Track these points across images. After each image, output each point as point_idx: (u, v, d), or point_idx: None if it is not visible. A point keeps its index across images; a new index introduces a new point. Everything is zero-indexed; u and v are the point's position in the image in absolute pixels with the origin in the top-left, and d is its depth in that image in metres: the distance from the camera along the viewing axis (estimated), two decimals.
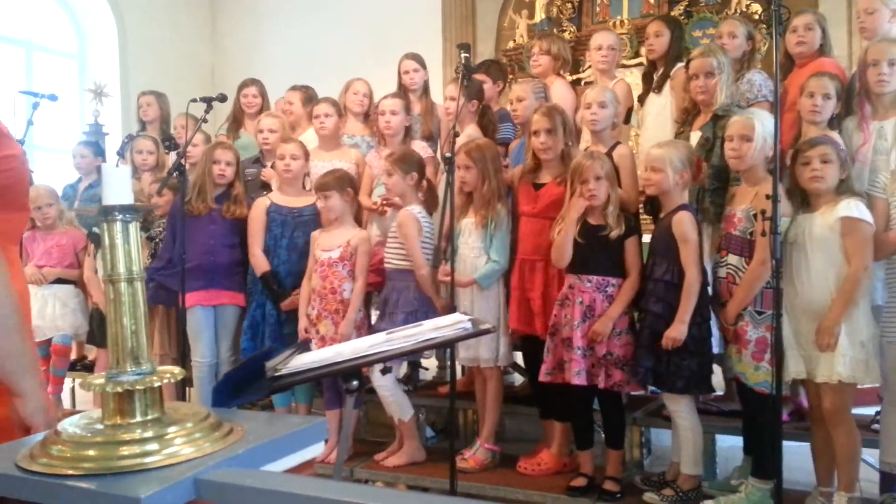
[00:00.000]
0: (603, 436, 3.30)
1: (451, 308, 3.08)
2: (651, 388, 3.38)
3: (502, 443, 3.73)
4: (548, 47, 4.25)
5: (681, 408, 3.07)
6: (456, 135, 3.27)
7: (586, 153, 3.24)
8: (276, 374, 1.62)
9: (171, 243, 3.90)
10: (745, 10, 5.74)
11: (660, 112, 3.97)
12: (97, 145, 5.43)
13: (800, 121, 3.26)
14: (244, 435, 1.15)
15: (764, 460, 2.92)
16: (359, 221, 3.79)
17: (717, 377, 3.17)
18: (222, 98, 3.86)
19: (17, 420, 1.35)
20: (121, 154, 4.96)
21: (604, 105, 3.36)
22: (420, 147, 3.98)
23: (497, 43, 6.81)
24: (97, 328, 4.52)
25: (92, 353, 4.93)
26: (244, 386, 1.59)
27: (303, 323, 3.65)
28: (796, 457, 3.16)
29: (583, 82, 5.75)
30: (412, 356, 3.64)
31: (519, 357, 3.89)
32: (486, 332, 1.95)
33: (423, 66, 4.45)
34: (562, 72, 4.34)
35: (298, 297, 3.74)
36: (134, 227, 1.17)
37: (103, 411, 1.12)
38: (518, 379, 4.37)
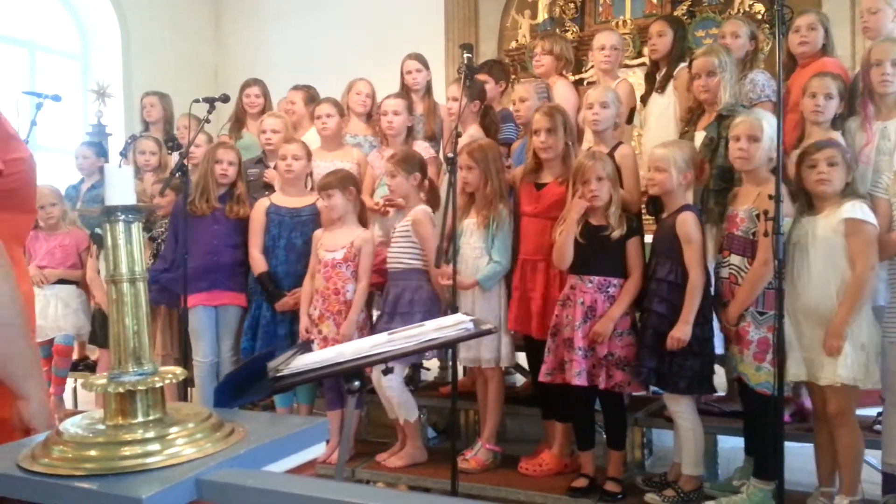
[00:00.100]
0: (604, 436, 3.30)
1: (452, 308, 3.08)
2: (653, 388, 3.38)
3: (504, 443, 3.73)
4: (550, 47, 4.25)
5: (682, 408, 3.07)
6: (458, 135, 3.28)
7: (588, 153, 3.24)
8: (278, 374, 1.62)
9: (173, 244, 3.91)
10: (748, 9, 5.74)
11: (662, 112, 3.97)
12: (100, 146, 5.44)
13: (803, 121, 3.26)
14: (246, 435, 1.15)
15: (765, 461, 2.91)
16: (363, 221, 3.79)
17: (719, 378, 3.16)
18: (225, 98, 3.87)
19: (17, 422, 1.35)
20: (124, 154, 4.96)
21: (606, 105, 3.36)
22: (422, 147, 3.98)
23: (499, 43, 6.81)
24: (99, 328, 4.52)
25: (94, 353, 4.94)
26: (246, 386, 1.60)
27: (304, 323, 3.65)
28: (798, 458, 3.15)
29: (585, 82, 5.75)
30: (414, 357, 3.63)
31: (521, 357, 3.89)
32: (488, 332, 1.95)
33: (426, 66, 4.45)
34: (564, 72, 4.34)
35: (293, 298, 3.74)
36: (136, 228, 1.17)
37: (105, 411, 1.13)
38: (519, 379, 4.37)
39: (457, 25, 6.92)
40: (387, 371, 2.73)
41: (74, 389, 5.07)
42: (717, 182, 3.26)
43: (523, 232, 3.44)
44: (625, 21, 6.21)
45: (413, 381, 4.24)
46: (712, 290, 3.08)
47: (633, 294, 3.12)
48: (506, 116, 4.18)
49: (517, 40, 6.67)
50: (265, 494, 0.98)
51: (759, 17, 5.44)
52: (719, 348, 3.16)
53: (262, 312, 3.81)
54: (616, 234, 3.11)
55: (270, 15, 7.83)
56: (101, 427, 1.11)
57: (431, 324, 1.85)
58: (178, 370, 1.19)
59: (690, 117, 3.54)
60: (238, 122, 4.85)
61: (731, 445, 3.48)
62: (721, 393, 3.50)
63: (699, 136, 3.39)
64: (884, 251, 2.84)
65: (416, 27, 6.73)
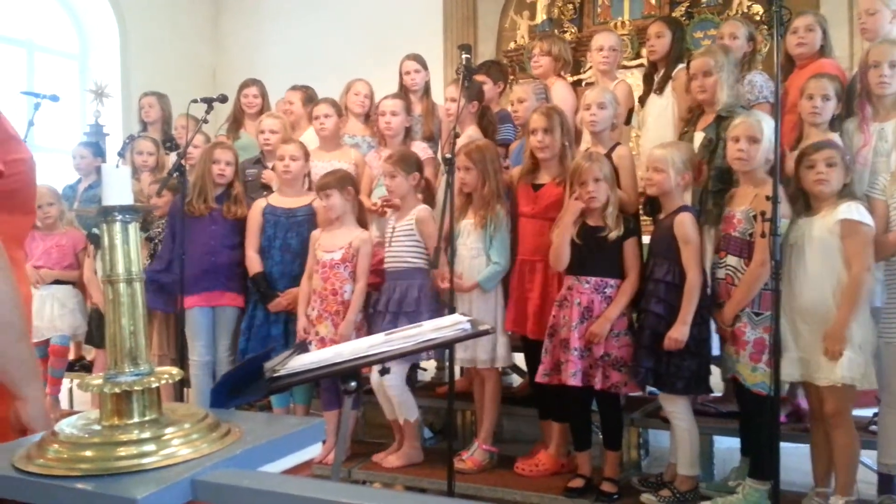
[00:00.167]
0: (601, 437, 3.30)
1: (450, 309, 3.08)
2: (649, 389, 3.39)
3: (500, 444, 3.73)
4: (549, 48, 4.25)
5: (677, 409, 3.08)
6: (456, 136, 3.28)
7: (585, 154, 3.25)
8: (275, 374, 1.62)
9: (170, 244, 3.91)
10: (746, 11, 5.74)
11: (661, 113, 3.97)
12: (97, 146, 5.43)
13: (801, 123, 3.26)
14: (242, 436, 1.15)
15: (761, 461, 2.92)
16: (362, 222, 3.79)
17: (715, 378, 3.17)
18: (223, 99, 3.86)
19: (15, 422, 1.35)
20: (122, 154, 4.96)
21: (603, 106, 3.36)
22: (420, 148, 3.99)
23: (498, 44, 6.81)
24: (96, 329, 4.52)
25: (90, 353, 4.93)
26: (242, 387, 1.60)
27: (302, 323, 3.65)
28: (793, 458, 3.16)
29: (584, 83, 5.75)
30: (411, 357, 3.63)
31: (518, 358, 3.89)
32: (485, 332, 1.95)
33: (425, 66, 4.45)
34: (563, 73, 4.35)
35: (285, 299, 3.74)
36: (133, 228, 1.17)
37: (101, 412, 1.13)
38: (516, 380, 4.38)
39: (455, 26, 6.92)
40: (383, 371, 2.72)
41: (70, 390, 5.06)
42: (715, 183, 3.26)
43: (521, 233, 3.45)
44: (623, 22, 6.21)
45: (410, 382, 4.23)
46: (709, 290, 3.09)
47: (629, 295, 3.13)
48: (504, 117, 4.19)
49: (515, 41, 6.67)
50: (261, 495, 0.98)
51: (758, 18, 5.45)
52: (715, 349, 3.17)
53: (256, 313, 3.81)
54: (613, 234, 3.11)
55: (269, 15, 7.83)
56: (97, 427, 1.11)
57: (429, 324, 1.85)
58: (175, 371, 1.19)
59: (690, 117, 3.54)
60: (236, 122, 4.85)
61: (727, 446, 3.49)
62: (717, 393, 3.50)
63: (699, 137, 3.39)
64: (880, 252, 2.85)
65: (415, 28, 6.73)
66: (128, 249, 1.15)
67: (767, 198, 2.65)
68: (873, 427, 3.08)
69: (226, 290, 3.89)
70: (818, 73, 3.26)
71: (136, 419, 1.11)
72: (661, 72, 4.02)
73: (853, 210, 2.77)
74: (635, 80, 4.97)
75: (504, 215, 3.45)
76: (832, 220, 2.79)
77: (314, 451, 1.24)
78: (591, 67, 5.23)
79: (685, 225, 3.01)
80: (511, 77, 5.67)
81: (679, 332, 2.94)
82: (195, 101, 3.81)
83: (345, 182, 3.66)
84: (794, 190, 2.95)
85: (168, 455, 1.05)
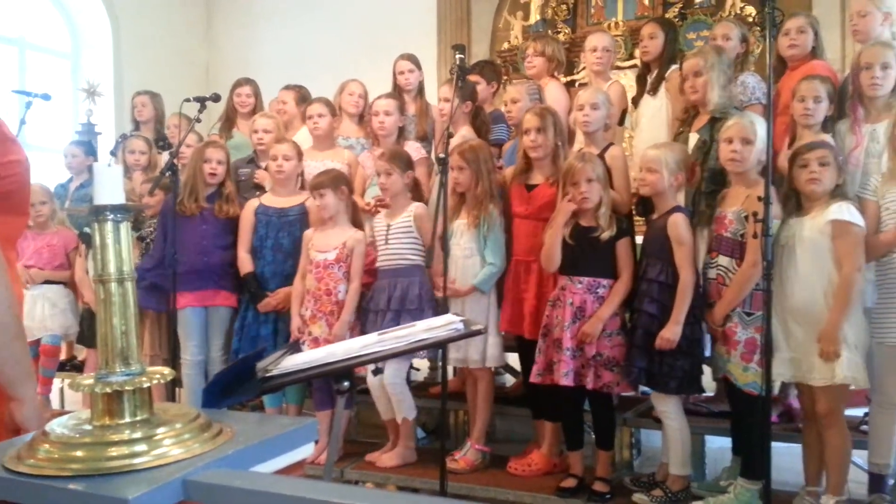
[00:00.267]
0: (593, 436, 3.31)
1: (443, 309, 3.08)
2: (641, 388, 3.39)
3: (493, 443, 3.73)
4: (542, 49, 4.26)
5: (669, 408, 3.09)
6: (450, 136, 3.28)
7: (578, 155, 3.26)
8: (267, 374, 1.62)
9: (162, 243, 3.89)
10: (739, 12, 5.75)
11: (654, 114, 3.99)
12: (89, 145, 5.41)
13: (794, 124, 3.28)
14: (234, 436, 1.15)
15: (753, 461, 2.93)
16: (356, 222, 3.78)
17: (706, 378, 3.18)
18: (216, 98, 3.85)
19: (9, 422, 1.35)
20: (114, 154, 4.95)
21: (596, 107, 3.37)
22: (413, 148, 3.98)
23: (492, 44, 6.81)
24: (88, 328, 4.50)
25: (82, 353, 4.91)
26: (234, 386, 1.59)
27: (296, 323, 3.64)
28: (785, 458, 3.17)
29: (577, 84, 5.76)
30: (404, 357, 3.63)
31: (511, 358, 3.89)
32: (478, 332, 1.95)
33: (419, 66, 4.45)
34: (556, 73, 4.36)
35: (275, 299, 3.74)
36: (125, 227, 1.16)
37: (92, 412, 1.12)
38: (509, 380, 4.38)
39: (449, 26, 6.92)
40: (376, 372, 2.72)
41: (61, 389, 5.04)
42: (708, 185, 3.27)
43: (515, 233, 3.45)
44: (617, 23, 6.22)
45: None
46: (701, 290, 3.09)
47: (622, 295, 3.14)
48: (497, 117, 4.19)
49: (509, 41, 6.67)
50: (253, 495, 0.98)
51: (751, 19, 5.48)
52: (706, 349, 3.18)
53: (248, 313, 3.81)
54: (605, 235, 3.12)
55: (262, 14, 7.81)
56: (88, 427, 1.10)
57: (422, 324, 1.85)
58: (166, 370, 1.19)
59: (686, 118, 3.55)
60: (229, 121, 4.83)
61: (719, 445, 3.50)
62: (709, 393, 3.51)
63: (694, 138, 3.40)
64: (872, 252, 2.87)
65: (409, 27, 6.73)
66: (119, 249, 1.15)
67: (759, 198, 2.66)
68: (864, 427, 3.10)
69: (219, 290, 3.88)
70: (810, 75, 3.27)
71: (127, 419, 1.10)
72: (655, 73, 4.03)
73: (844, 211, 2.78)
74: (629, 80, 4.98)
75: (497, 215, 3.45)
76: (823, 220, 2.80)
77: (306, 451, 1.24)
78: (584, 68, 5.24)
79: (679, 225, 3.02)
80: (505, 77, 5.66)
81: (671, 332, 2.95)
82: (188, 100, 3.80)
83: (339, 182, 3.65)
84: (786, 190, 2.96)
85: (159, 455, 1.05)
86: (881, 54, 3.10)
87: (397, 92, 4.33)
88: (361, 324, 3.60)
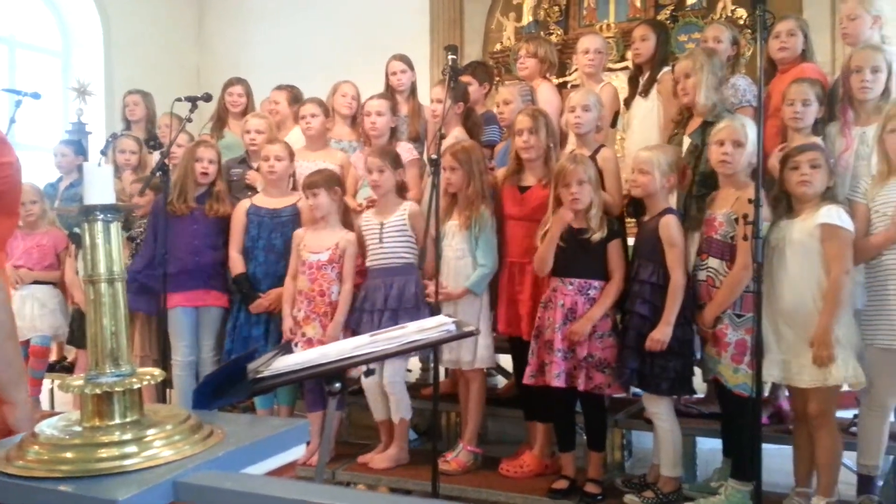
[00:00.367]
0: (585, 438, 3.31)
1: (435, 310, 3.08)
2: (633, 390, 3.40)
3: (485, 445, 3.73)
4: (534, 50, 4.26)
5: (660, 410, 3.10)
6: (442, 137, 3.28)
7: (569, 157, 3.26)
8: (259, 375, 1.62)
9: (152, 243, 3.87)
10: (730, 14, 5.78)
11: (646, 116, 4.00)
12: (78, 144, 5.38)
13: (785, 127, 3.29)
14: (224, 437, 1.15)
15: (743, 462, 2.94)
16: (347, 223, 3.78)
17: (696, 379, 3.19)
18: (207, 97, 3.84)
19: (1, 424, 1.34)
20: (104, 153, 4.92)
21: (588, 108, 3.38)
22: (405, 149, 3.98)
23: (484, 45, 6.82)
24: (78, 329, 4.47)
25: (72, 353, 4.89)
26: (225, 388, 1.59)
27: (288, 323, 3.63)
28: (776, 459, 3.18)
29: (569, 85, 5.77)
30: (401, 357, 3.62)
31: (504, 359, 3.90)
32: (470, 334, 1.95)
33: (411, 67, 4.45)
34: (548, 75, 4.36)
35: (267, 300, 3.73)
36: (115, 227, 1.16)
37: (82, 413, 1.12)
38: (501, 381, 4.38)
39: (442, 27, 6.92)
40: (368, 373, 2.72)
41: (51, 390, 5.01)
42: (699, 188, 3.27)
43: (509, 235, 3.45)
44: (608, 25, 6.24)
45: None
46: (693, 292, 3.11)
47: (613, 296, 3.14)
48: (489, 118, 4.19)
49: (502, 42, 6.68)
50: (243, 497, 0.97)
51: (741, 22, 5.50)
52: (697, 351, 3.19)
53: (239, 314, 3.80)
54: (596, 236, 3.12)
55: (254, 15, 7.79)
56: (78, 429, 1.10)
57: (414, 325, 1.85)
58: (157, 371, 1.18)
59: (680, 119, 3.56)
60: (220, 121, 4.81)
61: (710, 447, 3.51)
62: (699, 395, 3.52)
63: (687, 141, 3.41)
64: (862, 255, 2.88)
65: (401, 28, 6.72)
66: (109, 249, 1.14)
67: (750, 201, 2.67)
68: (853, 429, 3.11)
69: (210, 290, 3.86)
70: (799, 78, 3.28)
71: (117, 420, 1.10)
72: (647, 75, 4.04)
73: (833, 214, 2.79)
74: (620, 82, 4.99)
75: (489, 216, 3.45)
76: (812, 223, 2.82)
77: (298, 452, 1.24)
78: (576, 70, 5.25)
79: (670, 227, 3.03)
80: (497, 79, 5.68)
81: (662, 333, 2.96)
82: (179, 99, 3.79)
83: (332, 182, 3.65)
84: (777, 192, 2.98)
85: (150, 457, 1.05)
86: (871, 58, 3.12)
87: (389, 92, 4.33)
88: (355, 324, 3.58)
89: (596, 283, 3.15)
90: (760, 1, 2.74)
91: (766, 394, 3.29)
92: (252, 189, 4.14)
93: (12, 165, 1.46)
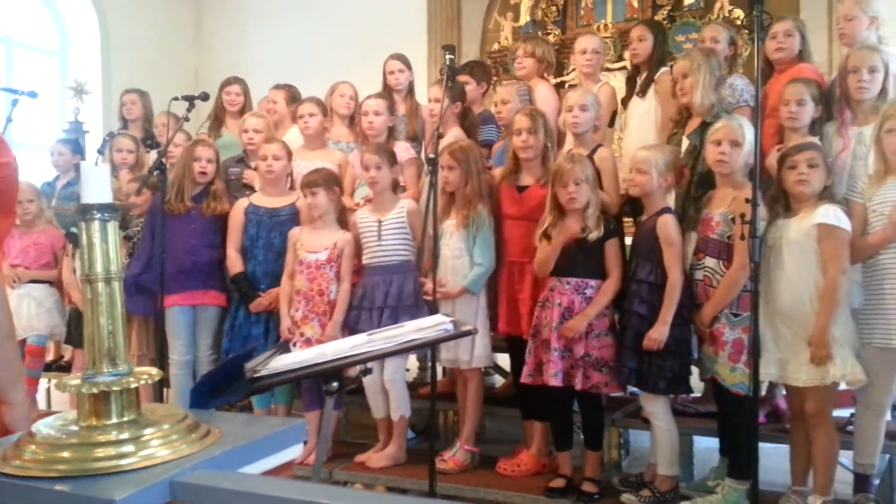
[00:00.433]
0: (582, 437, 3.32)
1: (432, 309, 3.08)
2: (630, 389, 3.40)
3: (482, 444, 3.74)
4: (532, 50, 4.26)
5: (657, 409, 3.10)
6: (440, 136, 3.28)
7: (567, 156, 3.27)
8: (256, 375, 1.62)
9: (149, 243, 3.86)
10: (727, 15, 5.78)
11: (643, 116, 4.00)
12: (75, 143, 5.38)
13: (783, 127, 3.30)
14: (222, 437, 1.15)
15: (740, 461, 2.94)
16: (343, 223, 3.78)
17: (693, 378, 3.19)
18: (204, 97, 3.84)
19: None
20: (101, 152, 4.91)
21: (585, 108, 3.38)
22: (403, 148, 3.98)
23: (482, 45, 6.82)
24: (75, 328, 4.46)
25: (68, 352, 4.88)
26: (223, 387, 1.59)
27: (286, 323, 3.63)
28: (772, 458, 3.19)
29: (567, 85, 5.77)
30: (394, 357, 3.62)
31: (501, 358, 3.90)
32: (468, 333, 1.95)
33: (409, 66, 4.45)
34: (546, 74, 4.36)
35: (266, 299, 3.72)
36: (112, 227, 1.16)
37: (79, 412, 1.12)
38: (498, 380, 4.38)
39: (439, 27, 6.92)
40: (365, 372, 2.71)
41: (48, 390, 5.00)
42: (697, 189, 3.27)
43: (508, 234, 3.46)
44: (606, 25, 6.24)
45: None
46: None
47: (610, 295, 3.14)
48: (487, 118, 4.19)
49: (499, 42, 6.68)
50: (240, 496, 0.97)
51: (739, 22, 5.50)
52: (694, 350, 3.19)
53: (238, 313, 3.79)
54: (593, 235, 3.13)
55: (252, 15, 7.78)
56: (75, 428, 1.10)
57: (412, 324, 1.85)
58: (154, 371, 1.18)
59: (680, 119, 3.56)
60: (217, 120, 4.80)
61: (707, 446, 3.51)
62: (697, 394, 3.53)
63: (686, 142, 3.41)
64: (859, 254, 2.89)
65: (399, 28, 6.72)
66: (106, 248, 1.14)
67: (747, 200, 2.68)
68: (850, 428, 3.12)
69: (208, 289, 3.86)
70: (795, 79, 3.29)
71: (114, 420, 1.10)
72: (644, 75, 4.04)
73: (830, 214, 2.80)
74: (618, 82, 4.99)
75: (486, 215, 3.45)
76: (809, 222, 2.82)
77: (295, 452, 1.24)
78: (574, 70, 5.25)
79: (668, 226, 3.03)
80: (495, 78, 5.68)
81: (658, 332, 2.96)
82: (176, 98, 3.78)
83: (331, 182, 3.66)
84: (775, 191, 2.98)
85: (147, 456, 1.05)
86: (868, 58, 3.13)
87: (387, 92, 4.33)
88: (353, 322, 3.57)
89: (593, 283, 3.15)
90: (758, 1, 2.74)
91: (762, 393, 3.29)
92: (250, 188, 4.14)
93: (10, 165, 1.47)
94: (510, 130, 3.48)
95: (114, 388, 1.10)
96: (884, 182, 2.90)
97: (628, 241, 3.33)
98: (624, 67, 5.51)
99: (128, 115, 5.11)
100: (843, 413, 3.26)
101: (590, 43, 4.16)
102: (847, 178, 3.14)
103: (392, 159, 3.62)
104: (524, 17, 6.57)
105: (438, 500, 2.98)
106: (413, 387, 4.33)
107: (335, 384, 1.76)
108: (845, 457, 3.07)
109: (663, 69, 3.93)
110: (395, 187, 3.72)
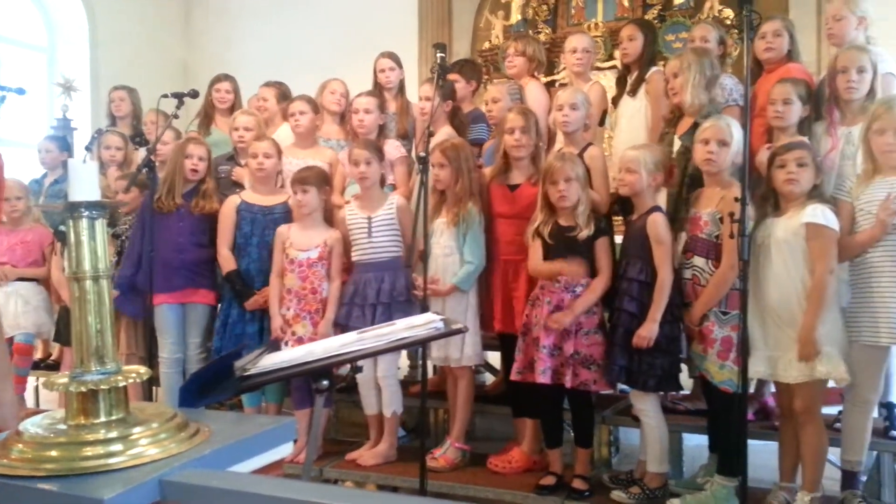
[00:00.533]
0: (572, 434, 3.32)
1: (423, 307, 3.08)
2: (620, 387, 3.42)
3: (473, 442, 3.74)
4: (523, 49, 4.26)
5: (647, 406, 3.12)
6: (430, 134, 3.28)
7: (557, 154, 3.28)
8: (245, 373, 1.61)
9: (139, 243, 3.83)
10: (717, 14, 5.81)
11: (634, 115, 4.01)
12: (63, 140, 5.35)
13: (772, 127, 3.31)
14: (211, 435, 1.14)
15: (729, 458, 2.96)
16: (329, 222, 3.77)
17: (685, 376, 3.21)
18: (194, 94, 3.82)
19: None
20: (89, 149, 4.88)
21: (575, 107, 3.39)
22: (394, 146, 3.98)
23: (473, 43, 6.82)
24: (64, 327, 4.44)
25: (56, 350, 4.85)
26: (212, 385, 1.58)
27: (277, 322, 3.61)
28: (761, 455, 3.21)
29: (557, 84, 5.78)
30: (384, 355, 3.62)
31: (492, 356, 3.90)
32: (458, 331, 1.95)
33: (399, 64, 4.44)
34: (536, 73, 4.36)
35: (263, 296, 3.71)
36: (100, 224, 1.15)
37: (67, 411, 1.11)
38: (489, 378, 4.39)
39: (430, 25, 6.91)
40: (356, 370, 2.71)
41: (36, 388, 4.97)
42: (689, 191, 3.28)
43: (501, 233, 3.46)
44: (596, 24, 6.25)
45: None
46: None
47: (599, 292, 3.15)
48: (477, 117, 4.19)
49: (490, 41, 6.68)
50: (230, 495, 0.97)
51: (728, 21, 5.53)
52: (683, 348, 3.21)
53: (231, 311, 3.77)
54: (584, 234, 3.14)
55: (242, 12, 7.75)
56: (63, 427, 1.09)
57: (402, 323, 1.85)
58: (142, 369, 1.18)
59: (672, 118, 3.57)
60: (207, 117, 4.78)
61: (696, 443, 3.54)
62: (686, 391, 3.55)
63: (678, 142, 3.42)
64: (846, 253, 2.91)
65: (390, 26, 6.71)
66: (94, 246, 1.13)
67: (736, 199, 2.69)
68: (838, 425, 3.14)
69: (197, 288, 3.84)
70: (783, 79, 3.31)
71: (102, 418, 1.09)
72: (635, 74, 4.05)
73: (818, 213, 2.82)
74: (608, 81, 5.01)
75: (477, 213, 3.45)
76: (798, 221, 2.84)
77: (285, 450, 1.24)
78: (564, 68, 5.26)
79: (658, 225, 3.04)
80: (486, 77, 5.68)
81: (648, 330, 2.98)
82: (165, 95, 3.76)
83: (323, 182, 3.66)
84: (765, 190, 3.00)
85: (135, 455, 1.04)
86: (857, 58, 3.14)
87: (378, 90, 4.32)
88: (345, 319, 3.55)
89: (583, 281, 3.16)
90: (747, 1, 2.75)
91: (751, 390, 3.31)
92: (239, 186, 4.12)
93: None
94: (501, 129, 3.49)
95: (102, 387, 1.09)
96: (871, 181, 2.93)
97: (618, 239, 3.35)
98: (614, 66, 5.52)
99: (116, 111, 5.08)
100: (831, 410, 3.28)
101: (580, 42, 4.17)
102: (835, 177, 3.16)
103: (381, 155, 3.62)
104: (515, 16, 6.58)
105: (429, 497, 2.98)
106: (404, 385, 4.32)
107: (325, 382, 1.76)
108: (833, 454, 3.10)
109: (654, 68, 3.94)
110: (383, 183, 3.72)
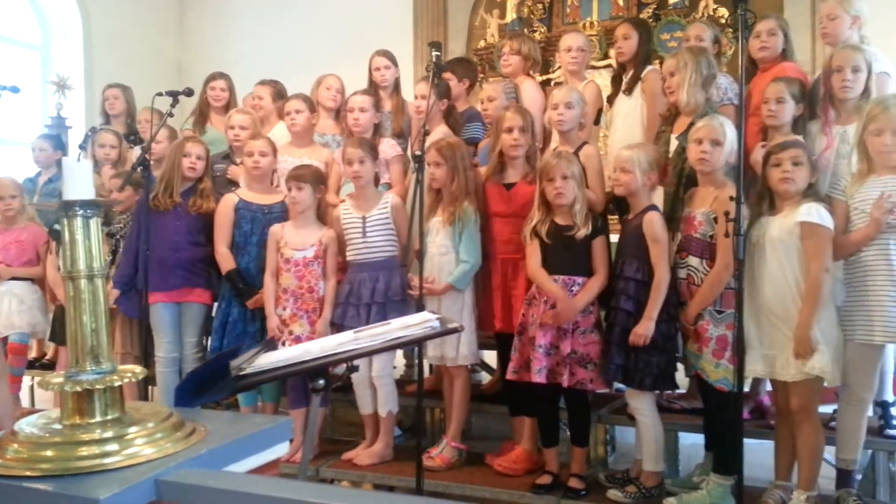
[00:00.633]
0: (568, 433, 3.33)
1: (419, 307, 3.08)
2: (616, 386, 3.42)
3: (469, 441, 3.74)
4: (518, 47, 4.26)
5: (643, 405, 3.12)
6: (426, 133, 3.28)
7: (554, 152, 3.28)
8: (241, 373, 1.61)
9: (135, 243, 3.82)
10: (712, 13, 5.83)
11: (629, 114, 4.01)
12: (57, 138, 5.33)
13: (766, 126, 3.32)
14: (207, 435, 1.14)
15: (725, 457, 2.97)
16: (322, 220, 3.76)
17: (679, 374, 3.21)
18: (189, 92, 3.80)
19: None
20: (83, 147, 4.87)
21: (570, 106, 3.39)
22: (389, 145, 3.97)
23: (468, 42, 6.83)
24: (60, 326, 4.42)
25: (51, 350, 4.84)
26: (208, 385, 1.58)
27: (274, 322, 3.60)
28: (757, 454, 3.22)
29: (552, 83, 5.79)
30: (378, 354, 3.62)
31: (488, 355, 3.90)
32: (454, 331, 1.95)
33: (395, 63, 4.44)
34: (532, 72, 4.36)
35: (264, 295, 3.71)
36: (95, 223, 1.15)
37: (62, 411, 1.11)
38: (485, 377, 4.39)
39: (425, 23, 6.92)
40: (352, 369, 2.71)
41: (31, 388, 4.96)
42: (685, 190, 3.29)
43: (498, 232, 3.46)
44: (591, 23, 6.26)
45: None
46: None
47: (595, 291, 3.15)
48: (472, 116, 4.19)
49: (486, 39, 6.69)
50: (226, 495, 0.97)
51: (723, 20, 5.54)
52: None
53: (231, 310, 3.76)
54: (581, 233, 3.14)
55: (236, 10, 7.74)
56: (58, 427, 1.09)
57: (398, 322, 1.85)
58: (138, 369, 1.17)
59: (668, 116, 3.57)
60: (202, 116, 4.76)
61: (692, 442, 3.54)
62: (682, 390, 3.55)
63: (675, 141, 3.42)
64: (840, 251, 2.92)
65: (385, 24, 6.71)
66: (89, 245, 1.13)
67: (731, 198, 2.69)
68: (832, 424, 3.15)
69: (193, 287, 3.83)
70: (776, 78, 3.32)
71: (97, 418, 1.09)
72: (630, 73, 4.05)
73: (813, 212, 2.82)
74: (604, 80, 5.01)
75: (473, 212, 3.45)
76: (792, 220, 2.85)
77: (281, 450, 1.23)
78: (559, 67, 5.27)
79: (654, 223, 3.05)
80: (481, 76, 5.68)
81: (644, 328, 2.98)
82: (160, 94, 3.74)
83: (319, 181, 3.66)
84: (760, 188, 3.00)
85: (131, 455, 1.04)
86: (852, 58, 3.15)
87: (373, 88, 4.31)
88: (340, 318, 3.55)
89: (580, 280, 3.16)
90: (742, 0, 2.76)
91: (747, 389, 3.32)
92: (235, 184, 4.12)
93: None
94: (497, 128, 3.48)
95: (97, 387, 1.09)
96: (866, 180, 2.93)
97: (613, 238, 3.35)
98: (609, 65, 5.54)
99: (110, 110, 5.06)
100: (826, 409, 3.29)
101: (575, 41, 4.17)
102: (830, 176, 3.17)
103: (375, 153, 3.62)
104: (510, 15, 6.58)
105: (425, 497, 2.97)
106: (400, 384, 4.32)
107: (321, 382, 1.76)
108: (828, 452, 3.10)
109: (650, 67, 3.95)
110: (377, 182, 3.71)
